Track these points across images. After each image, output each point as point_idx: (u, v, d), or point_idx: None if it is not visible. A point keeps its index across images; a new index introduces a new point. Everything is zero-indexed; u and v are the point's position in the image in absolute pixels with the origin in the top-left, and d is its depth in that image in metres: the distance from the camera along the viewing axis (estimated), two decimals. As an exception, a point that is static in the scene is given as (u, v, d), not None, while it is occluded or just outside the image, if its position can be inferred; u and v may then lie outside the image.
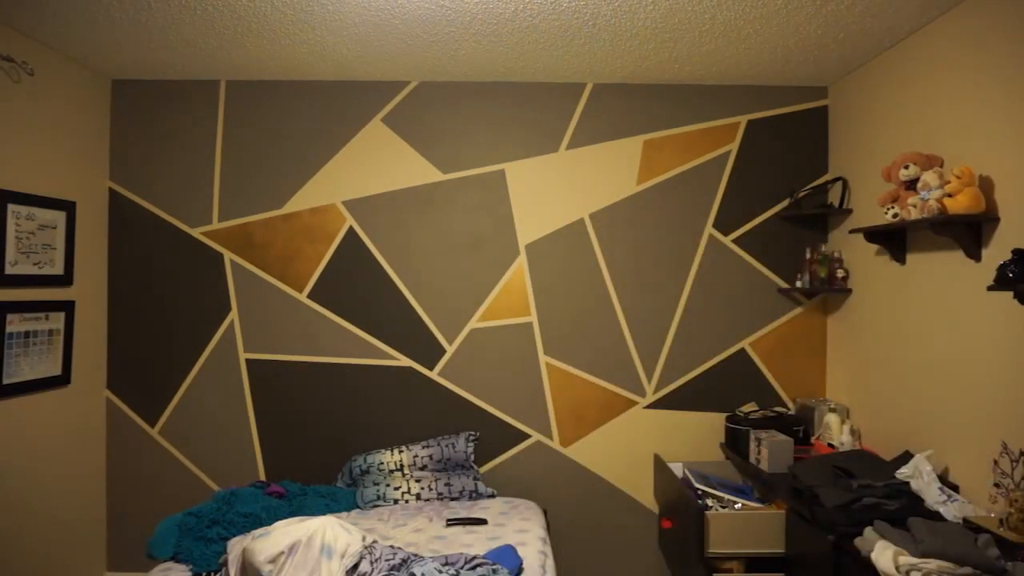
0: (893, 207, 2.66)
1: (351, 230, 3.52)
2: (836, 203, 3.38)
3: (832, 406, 3.22)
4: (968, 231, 2.35)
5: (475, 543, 2.69)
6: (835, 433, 3.08)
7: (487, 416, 3.52)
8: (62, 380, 3.16)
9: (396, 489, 3.24)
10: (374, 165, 3.51)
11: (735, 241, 3.53)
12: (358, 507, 3.20)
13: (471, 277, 3.52)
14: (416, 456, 3.31)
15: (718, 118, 3.53)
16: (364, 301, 3.52)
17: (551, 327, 3.52)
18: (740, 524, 2.85)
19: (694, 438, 3.51)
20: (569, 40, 2.94)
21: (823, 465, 2.65)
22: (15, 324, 2.87)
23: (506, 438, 3.52)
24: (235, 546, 2.36)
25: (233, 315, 3.51)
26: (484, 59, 3.19)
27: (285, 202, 3.52)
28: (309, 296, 3.52)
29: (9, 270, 2.83)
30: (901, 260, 2.84)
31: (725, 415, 3.39)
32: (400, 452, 3.33)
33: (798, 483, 2.60)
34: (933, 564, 1.84)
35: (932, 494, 2.31)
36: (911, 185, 2.59)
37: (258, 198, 3.52)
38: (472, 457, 3.35)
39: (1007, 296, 2.16)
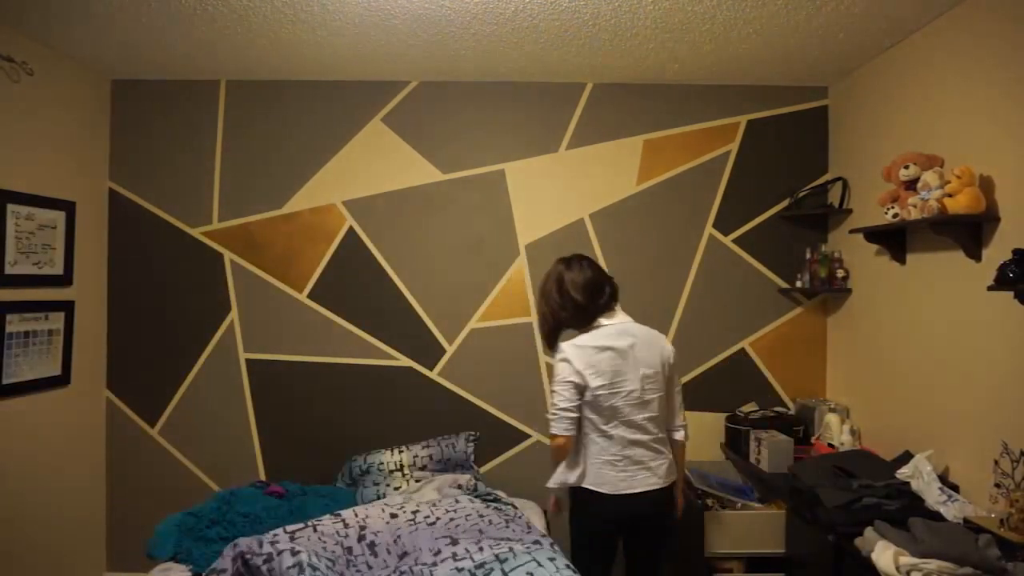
0: (893, 207, 2.66)
1: (351, 230, 3.52)
2: (836, 203, 3.38)
3: (832, 406, 3.22)
4: (968, 231, 2.35)
5: (475, 543, 2.68)
6: (835, 433, 3.07)
7: (487, 416, 3.52)
8: (62, 380, 3.15)
9: (396, 489, 3.23)
10: (374, 165, 3.51)
11: (735, 241, 3.53)
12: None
13: (471, 277, 3.52)
14: (416, 456, 3.31)
15: (718, 118, 3.53)
16: (364, 301, 3.51)
17: (551, 327, 3.51)
18: (740, 524, 2.85)
19: (694, 438, 3.47)
20: (569, 40, 2.94)
21: (823, 465, 2.65)
22: (15, 324, 2.87)
23: (506, 438, 3.52)
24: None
25: (233, 315, 3.51)
26: (484, 59, 3.18)
27: (285, 202, 3.52)
28: (309, 296, 3.52)
29: (9, 270, 2.83)
30: (901, 260, 2.83)
31: (725, 415, 3.39)
32: (400, 452, 3.33)
33: (798, 483, 2.60)
34: (933, 564, 1.84)
35: (932, 494, 2.31)
36: (911, 185, 2.59)
37: (258, 198, 3.52)
38: (472, 457, 3.35)
39: (1007, 296, 2.15)
